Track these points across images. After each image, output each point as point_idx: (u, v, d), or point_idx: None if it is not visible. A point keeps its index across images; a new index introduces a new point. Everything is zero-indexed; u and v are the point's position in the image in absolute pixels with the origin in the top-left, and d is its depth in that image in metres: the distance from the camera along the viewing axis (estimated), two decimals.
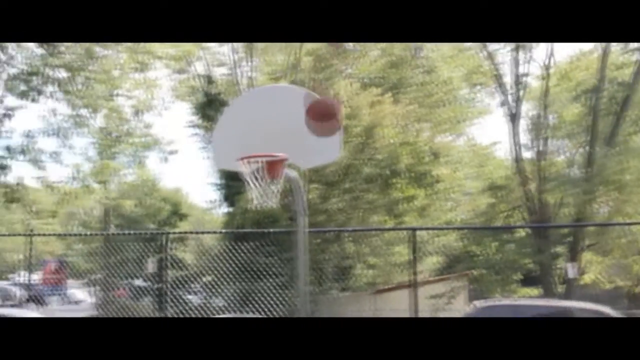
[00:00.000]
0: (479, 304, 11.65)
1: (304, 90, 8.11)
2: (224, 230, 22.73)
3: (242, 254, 15.10)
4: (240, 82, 26.87)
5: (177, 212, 33.14)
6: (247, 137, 6.81)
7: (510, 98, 26.29)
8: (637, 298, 24.26)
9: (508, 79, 26.61)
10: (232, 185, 24.15)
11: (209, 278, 20.27)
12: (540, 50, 27.11)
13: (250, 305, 15.72)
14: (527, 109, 27.60)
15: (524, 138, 26.70)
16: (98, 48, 22.61)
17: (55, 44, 21.12)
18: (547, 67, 25.95)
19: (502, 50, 26.48)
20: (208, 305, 18.41)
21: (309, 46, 23.94)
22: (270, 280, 16.87)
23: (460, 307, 18.24)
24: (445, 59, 28.13)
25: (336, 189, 23.64)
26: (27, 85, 22.01)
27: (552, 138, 26.74)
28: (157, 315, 17.81)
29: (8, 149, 22.20)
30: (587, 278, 24.29)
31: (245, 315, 15.48)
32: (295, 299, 14.86)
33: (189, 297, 20.78)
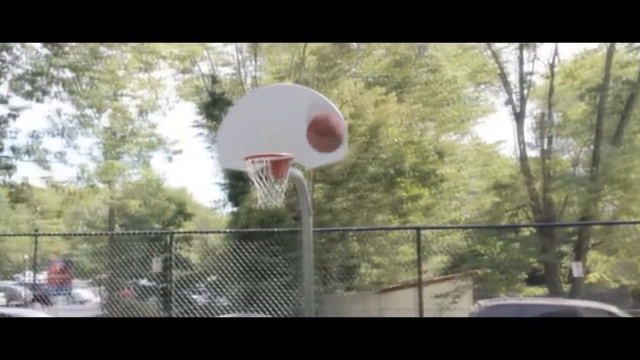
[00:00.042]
0: (484, 303, 11.63)
1: (309, 90, 8.11)
2: (229, 230, 22.73)
3: (247, 254, 15.09)
4: (244, 82, 26.90)
5: (182, 212, 33.14)
6: (252, 136, 6.80)
7: (515, 97, 26.25)
8: None
9: (513, 78, 26.59)
10: (237, 184, 24.19)
11: (214, 277, 20.30)
12: (545, 48, 27.10)
13: (255, 305, 15.71)
14: (532, 108, 27.59)
15: (529, 137, 26.70)
16: (103, 48, 22.66)
17: (60, 44, 21.17)
18: (552, 66, 25.92)
19: (507, 49, 26.47)
20: (213, 304, 18.42)
21: (313, 46, 23.96)
22: (275, 279, 16.87)
23: (465, 307, 18.22)
24: (450, 58, 28.12)
25: (341, 188, 23.66)
26: (32, 85, 22.06)
27: (557, 137, 26.68)
28: (163, 314, 17.83)
29: (13, 149, 22.27)
30: (593, 277, 24.27)
31: (250, 314, 15.49)
32: (300, 299, 14.86)
33: (195, 296, 20.81)
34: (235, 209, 26.28)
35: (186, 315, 14.63)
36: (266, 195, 6.47)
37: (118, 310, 18.81)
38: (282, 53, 26.69)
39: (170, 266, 12.94)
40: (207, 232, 31.55)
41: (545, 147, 25.85)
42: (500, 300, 13.32)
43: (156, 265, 14.59)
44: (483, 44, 26.01)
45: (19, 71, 22.24)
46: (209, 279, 21.52)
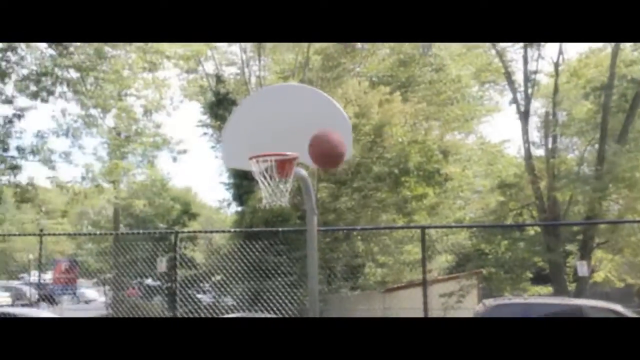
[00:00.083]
0: (489, 302, 11.62)
1: (314, 90, 8.11)
2: (234, 230, 22.76)
3: (252, 253, 15.11)
4: (249, 82, 26.94)
5: (187, 212, 33.20)
6: (257, 136, 6.81)
7: (520, 96, 26.22)
8: None
9: (518, 77, 26.55)
10: (242, 184, 24.22)
11: (219, 277, 20.32)
12: (550, 47, 27.02)
13: (260, 304, 15.73)
14: (537, 107, 27.57)
15: (534, 136, 26.67)
16: (108, 48, 22.66)
17: (65, 44, 21.20)
18: (557, 65, 25.88)
19: (512, 48, 26.44)
20: (218, 304, 18.44)
21: (317, 45, 23.97)
22: (280, 279, 16.89)
23: (470, 306, 18.19)
24: (454, 57, 28.11)
25: (346, 187, 23.65)
26: (38, 85, 22.08)
27: (562, 135, 26.66)
28: (168, 314, 17.87)
29: (19, 149, 22.28)
30: (598, 276, 24.24)
31: (255, 314, 15.50)
32: (305, 298, 14.86)
33: (200, 296, 20.84)
34: (240, 209, 26.32)
35: (191, 315, 14.65)
36: (271, 195, 6.47)
37: (123, 310, 18.85)
38: (287, 53, 26.73)
39: (175, 266, 12.97)
40: (212, 232, 31.60)
41: (550, 146, 25.81)
42: (506, 300, 13.30)
43: (161, 265, 14.61)
44: (488, 44, 25.99)
45: (24, 71, 22.27)
46: (214, 278, 21.54)
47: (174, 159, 28.47)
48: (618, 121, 24.55)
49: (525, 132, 25.79)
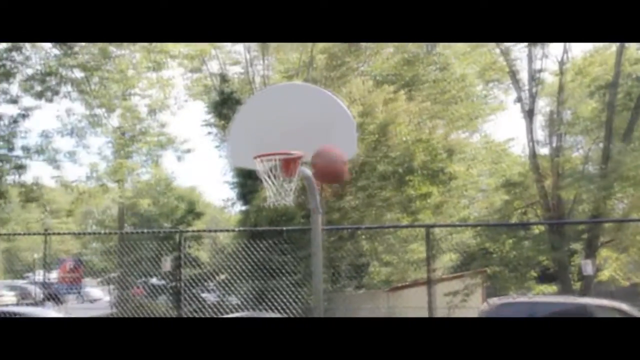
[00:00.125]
0: (495, 301, 11.60)
1: (318, 89, 8.11)
2: (238, 229, 22.76)
3: (257, 252, 15.12)
4: (253, 81, 26.95)
5: (192, 211, 33.22)
6: (262, 135, 6.81)
7: (525, 94, 26.14)
8: None
9: (523, 75, 26.47)
10: (246, 183, 24.22)
11: (224, 276, 20.33)
12: (555, 46, 26.93)
13: (265, 303, 15.74)
14: (542, 105, 27.46)
15: (539, 134, 26.57)
16: (112, 48, 22.72)
17: (70, 44, 21.24)
18: (562, 63, 25.80)
19: (517, 47, 26.35)
20: (223, 303, 18.45)
21: (322, 44, 23.97)
22: (285, 278, 16.89)
23: (475, 305, 18.16)
24: (459, 55, 28.07)
25: (350, 186, 23.63)
26: (43, 85, 22.16)
27: (567, 134, 26.58)
28: (173, 313, 17.89)
29: (24, 148, 22.38)
30: (604, 275, 24.15)
31: (260, 313, 15.51)
32: (310, 297, 14.87)
33: (204, 295, 20.86)
34: (244, 208, 26.31)
35: (196, 314, 14.67)
36: (276, 194, 6.49)
37: (128, 309, 18.88)
38: (291, 52, 26.72)
39: (180, 265, 12.99)
40: (216, 231, 31.65)
41: (556, 144, 25.74)
42: (511, 299, 13.28)
43: (166, 264, 14.63)
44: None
45: (30, 71, 22.36)
46: (218, 277, 21.55)
47: (179, 159, 28.58)
48: (623, 120, 24.46)
49: (530, 130, 25.73)
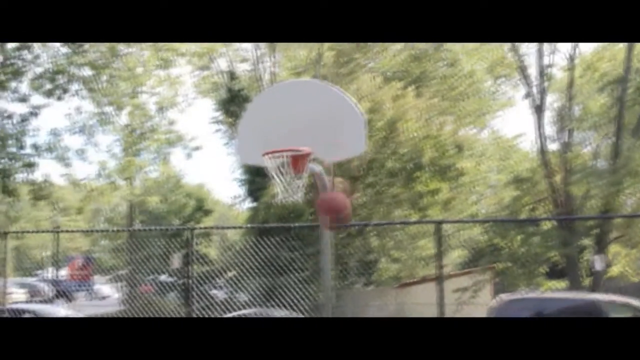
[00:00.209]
0: (504, 297, 11.58)
1: (327, 85, 8.11)
2: (248, 226, 22.81)
3: (266, 249, 15.14)
4: (262, 78, 26.96)
5: (202, 208, 33.37)
6: (271, 132, 6.81)
7: (534, 90, 26.03)
8: None
9: (532, 71, 26.36)
10: (255, 180, 24.26)
11: (233, 273, 20.39)
12: None
13: (274, 300, 15.78)
14: (552, 101, 27.32)
15: (549, 130, 26.44)
16: (121, 46, 22.76)
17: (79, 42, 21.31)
18: (571, 58, 25.68)
19: (526, 42, 26.24)
20: (233, 300, 18.50)
21: None
22: (294, 275, 16.91)
23: (484, 301, 18.15)
24: (468, 51, 27.97)
25: (359, 183, 23.64)
26: (53, 83, 22.21)
27: (577, 129, 26.46)
28: (182, 310, 17.94)
29: (34, 146, 22.43)
30: (614, 270, 24.06)
31: (269, 309, 15.55)
32: (319, 294, 14.88)
33: (214, 292, 20.93)
34: (254, 205, 26.37)
35: (205, 311, 14.71)
36: (286, 190, 6.50)
37: (138, 306, 18.95)
38: (299, 49, 26.72)
39: (190, 262, 13.02)
40: (226, 228, 31.69)
41: (565, 140, 25.63)
42: (520, 295, 13.26)
43: (176, 261, 14.67)
44: None
45: (39, 70, 22.41)
46: (227, 274, 21.61)
47: (188, 156, 28.61)
48: (633, 115, 24.34)
49: (539, 126, 25.61)
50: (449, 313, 10.33)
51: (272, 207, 21.48)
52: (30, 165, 22.18)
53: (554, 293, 17.31)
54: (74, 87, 22.69)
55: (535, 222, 26.36)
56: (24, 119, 22.18)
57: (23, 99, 22.16)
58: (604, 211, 23.14)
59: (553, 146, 26.27)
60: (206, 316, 14.35)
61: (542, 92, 25.70)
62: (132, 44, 22.46)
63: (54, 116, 50.66)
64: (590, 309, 10.42)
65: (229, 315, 15.08)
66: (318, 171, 6.87)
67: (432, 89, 25.96)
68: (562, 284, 24.56)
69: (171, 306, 20.09)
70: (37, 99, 22.48)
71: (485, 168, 28.48)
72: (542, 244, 24.59)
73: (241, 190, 29.57)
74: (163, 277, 24.54)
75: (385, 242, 24.47)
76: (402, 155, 23.51)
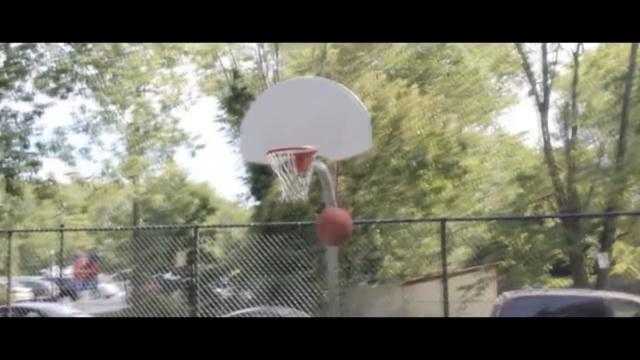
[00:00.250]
0: (509, 295, 11.57)
1: (331, 83, 8.11)
2: (252, 224, 22.83)
3: (271, 247, 15.14)
4: (266, 76, 26.97)
5: (206, 206, 33.36)
6: (275, 130, 6.80)
7: (538, 87, 26.00)
8: None
9: (536, 68, 26.34)
10: (259, 178, 24.27)
11: (238, 271, 20.41)
12: None
13: (279, 298, 15.79)
14: (556, 98, 27.33)
15: (553, 127, 26.43)
16: (125, 45, 22.77)
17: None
18: (576, 55, 25.65)
19: None
20: (237, 298, 18.53)
21: None
22: (299, 272, 16.92)
23: (489, 299, 18.13)
24: (472, 49, 27.94)
25: (364, 181, 23.63)
26: (57, 82, 22.24)
27: (581, 127, 26.42)
28: (187, 308, 17.97)
29: (39, 145, 22.47)
30: (619, 268, 24.05)
31: (274, 307, 15.56)
32: (324, 292, 14.88)
33: (218, 290, 20.96)
34: (258, 203, 26.38)
35: (210, 309, 14.73)
36: (290, 189, 6.49)
37: (142, 305, 18.97)
38: (303, 47, 26.70)
39: (194, 260, 13.03)
40: (230, 226, 31.73)
41: (570, 137, 25.61)
42: (525, 292, 13.25)
43: (180, 260, 14.69)
44: None
45: (43, 69, 22.45)
46: (232, 272, 21.63)
47: (192, 154, 28.66)
48: (638, 112, 24.28)
49: (543, 123, 25.59)
50: (453, 311, 10.32)
51: (277, 205, 21.49)
52: (34, 164, 22.22)
53: (558, 291, 17.28)
54: (78, 85, 22.73)
55: (539, 219, 26.35)
56: (28, 118, 22.23)
57: (27, 98, 22.21)
58: (608, 209, 23.10)
59: (557, 143, 26.27)
60: (210, 314, 14.36)
61: (547, 90, 25.68)
62: (136, 43, 22.47)
63: (58, 115, 50.66)
64: (594, 306, 10.40)
65: (234, 313, 15.09)
66: (322, 169, 6.87)
67: (436, 86, 25.94)
68: (566, 281, 24.55)
69: (176, 304, 20.13)
70: (41, 98, 22.53)
71: (490, 165, 28.46)
72: (547, 241, 24.57)
73: (245, 188, 29.63)
74: (168, 276, 24.58)
75: (390, 239, 24.46)
76: (406, 152, 23.50)
